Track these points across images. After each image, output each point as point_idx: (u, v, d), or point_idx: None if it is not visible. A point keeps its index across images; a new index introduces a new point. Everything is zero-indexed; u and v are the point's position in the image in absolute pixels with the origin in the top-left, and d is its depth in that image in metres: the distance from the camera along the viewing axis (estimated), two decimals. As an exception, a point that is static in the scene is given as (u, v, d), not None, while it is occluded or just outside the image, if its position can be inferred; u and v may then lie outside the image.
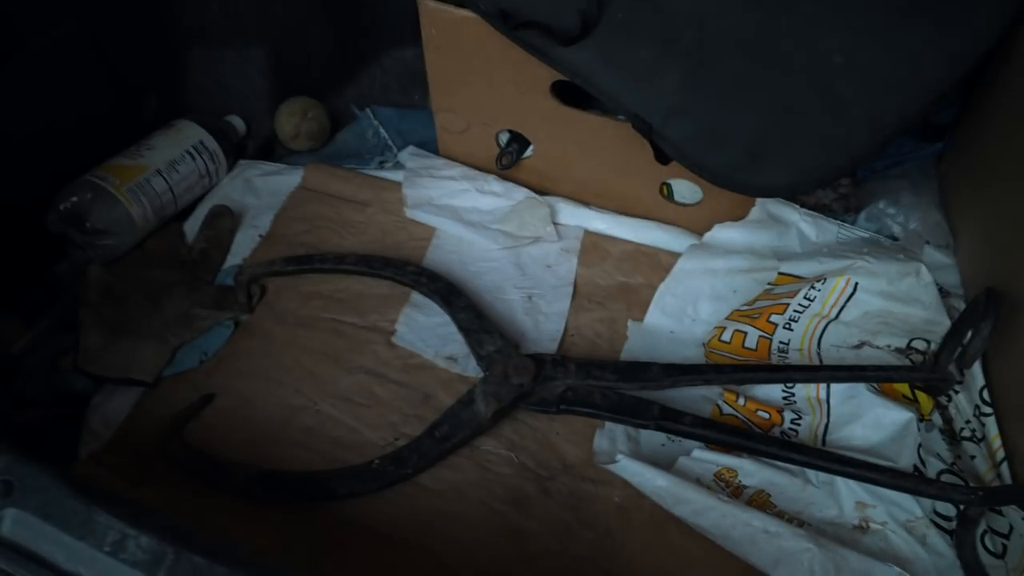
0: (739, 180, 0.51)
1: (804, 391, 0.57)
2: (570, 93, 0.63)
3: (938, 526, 0.51)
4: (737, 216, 0.66)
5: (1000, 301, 0.54)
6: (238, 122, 0.76)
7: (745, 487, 0.53)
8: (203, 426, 0.57)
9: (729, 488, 0.53)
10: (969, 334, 0.54)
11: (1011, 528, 0.50)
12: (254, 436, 0.56)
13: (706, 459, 0.54)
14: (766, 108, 0.50)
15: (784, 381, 0.57)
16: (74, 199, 0.61)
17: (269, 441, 0.56)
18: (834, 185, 0.76)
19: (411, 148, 0.76)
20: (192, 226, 0.69)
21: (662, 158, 0.55)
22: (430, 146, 0.77)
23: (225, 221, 0.68)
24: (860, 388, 0.56)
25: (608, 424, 0.56)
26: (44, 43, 0.60)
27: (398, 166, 0.76)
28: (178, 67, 0.75)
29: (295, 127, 0.76)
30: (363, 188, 0.73)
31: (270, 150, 0.79)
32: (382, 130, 0.80)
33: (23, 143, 0.61)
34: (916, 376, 0.56)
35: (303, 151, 0.79)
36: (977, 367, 0.57)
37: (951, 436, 0.57)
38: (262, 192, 0.73)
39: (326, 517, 0.52)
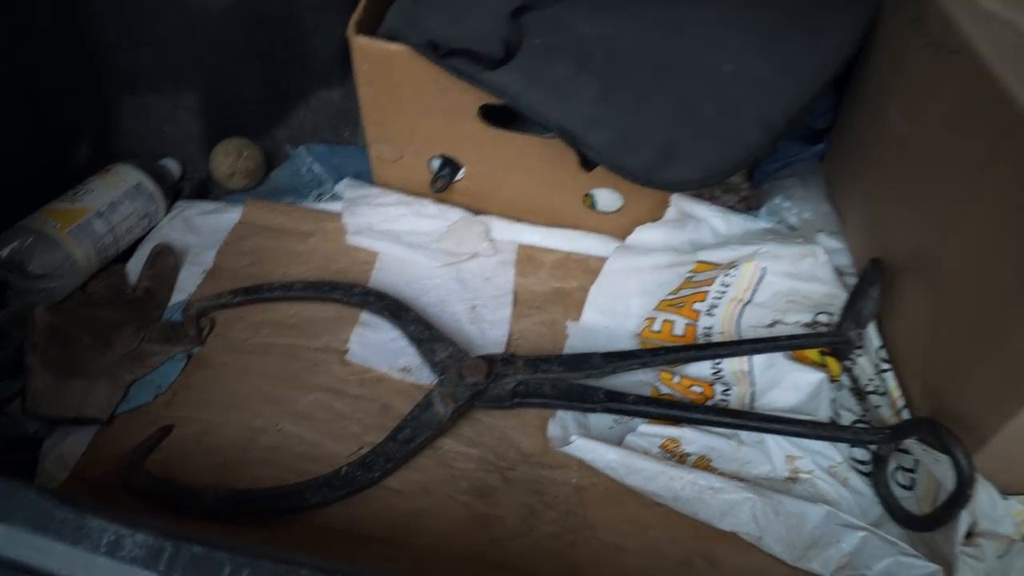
0: (656, 177, 0.57)
1: (730, 365, 0.63)
2: (496, 117, 0.69)
3: (857, 470, 0.58)
4: (655, 218, 0.72)
5: (883, 269, 0.62)
6: (173, 165, 0.77)
7: (688, 454, 0.58)
8: (164, 457, 0.57)
9: (674, 457, 0.58)
10: (862, 300, 0.62)
11: (916, 463, 0.57)
12: (218, 460, 0.57)
13: (651, 432, 0.58)
14: (673, 114, 0.57)
15: (711, 358, 0.63)
16: (14, 245, 0.61)
17: (234, 463, 0.57)
18: (736, 190, 0.85)
19: (347, 180, 0.80)
20: (134, 267, 0.70)
21: (587, 164, 0.60)
22: (365, 177, 0.80)
23: (168, 259, 0.70)
24: (777, 357, 0.62)
25: (559, 413, 0.61)
26: (-24, 93, 0.61)
27: (335, 198, 0.79)
28: (111, 113, 0.76)
29: (231, 166, 0.79)
30: (304, 220, 0.76)
31: (206, 191, 0.81)
32: (316, 166, 0.84)
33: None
34: (822, 341, 0.63)
35: (239, 190, 0.81)
36: (873, 330, 0.65)
37: (858, 392, 0.64)
38: (202, 230, 0.75)
39: (301, 528, 0.53)
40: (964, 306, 0.54)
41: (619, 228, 0.74)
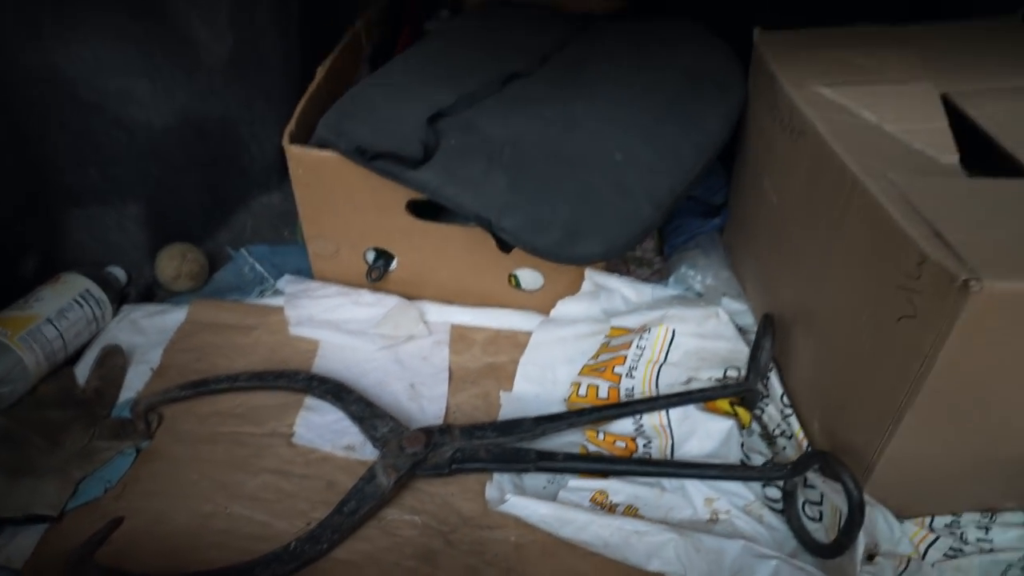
0: (564, 254, 0.64)
1: (649, 420, 0.69)
2: (423, 210, 0.76)
3: (770, 507, 0.63)
4: (573, 292, 0.80)
5: (773, 322, 0.70)
6: (119, 272, 0.82)
7: (617, 504, 0.63)
8: (115, 549, 0.59)
9: (604, 508, 0.62)
10: (760, 352, 0.69)
11: (822, 496, 0.63)
12: (169, 548, 0.59)
13: (580, 487, 0.63)
14: (574, 198, 0.65)
15: (631, 414, 0.69)
16: (-35, 353, 0.64)
17: (185, 549, 0.59)
18: (649, 264, 0.93)
19: (288, 276, 0.85)
20: (83, 369, 0.73)
21: (503, 247, 0.67)
22: (304, 273, 0.86)
23: (116, 359, 0.73)
24: (691, 409, 0.69)
25: (496, 476, 0.65)
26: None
27: (277, 293, 0.84)
28: (58, 227, 0.80)
29: (176, 269, 0.83)
30: (247, 315, 0.80)
31: (151, 295, 0.85)
32: (258, 265, 0.89)
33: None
34: (728, 391, 0.69)
35: (184, 292, 0.86)
36: (775, 379, 0.72)
37: (768, 437, 0.70)
38: (149, 330, 0.78)
39: (250, 605, 0.55)
40: (838, 349, 0.62)
41: (543, 304, 0.81)
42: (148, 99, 0.81)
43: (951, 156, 0.60)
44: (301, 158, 0.73)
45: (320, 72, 0.82)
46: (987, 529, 0.63)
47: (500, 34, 0.86)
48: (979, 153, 0.61)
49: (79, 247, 0.82)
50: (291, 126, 0.74)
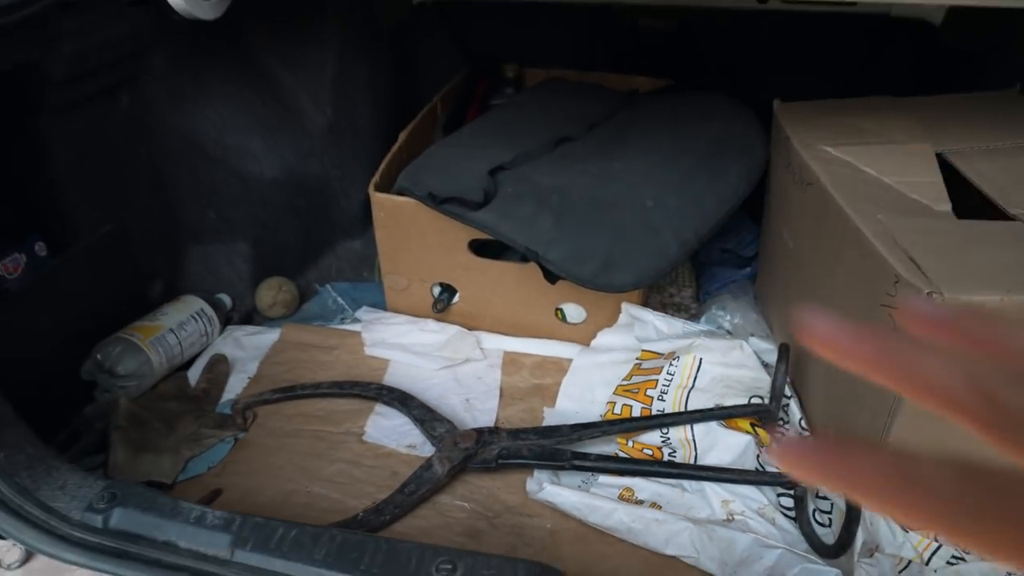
0: (601, 282, 0.75)
1: (675, 433, 0.77)
2: (483, 251, 0.89)
3: (783, 513, 0.70)
4: (612, 325, 0.90)
5: (787, 350, 0.79)
6: (226, 298, 0.97)
7: (641, 501, 0.71)
8: (214, 515, 0.71)
9: (629, 503, 0.71)
10: (777, 377, 0.78)
11: (832, 505, 0.69)
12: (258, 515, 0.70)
13: (609, 483, 0.72)
14: (610, 236, 0.76)
15: (659, 427, 0.77)
16: (107, 350, 0.78)
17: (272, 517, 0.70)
18: (686, 309, 1.03)
19: (365, 307, 0.98)
20: (194, 373, 0.87)
21: (549, 277, 0.79)
22: (379, 307, 0.99)
23: (222, 366, 0.87)
24: (713, 425, 0.77)
25: (536, 473, 0.74)
26: (93, 238, 0.82)
27: (355, 321, 0.97)
28: (181, 259, 0.97)
29: (272, 298, 0.98)
30: (330, 337, 0.94)
31: (251, 319, 1.00)
32: (340, 299, 1.03)
33: (66, 316, 0.80)
34: (747, 411, 0.77)
35: (278, 318, 1.00)
36: (795, 405, 0.80)
37: (785, 456, 0.77)
38: (248, 347, 0.92)
39: (323, 562, 0.65)
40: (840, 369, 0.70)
41: (585, 336, 0.91)
42: (261, 155, 0.98)
43: (944, 205, 0.69)
44: (383, 203, 0.87)
45: (402, 136, 0.98)
46: (991, 544, 0.67)
47: (555, 106, 1.01)
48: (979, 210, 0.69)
49: (195, 277, 0.98)
50: (376, 178, 0.89)
